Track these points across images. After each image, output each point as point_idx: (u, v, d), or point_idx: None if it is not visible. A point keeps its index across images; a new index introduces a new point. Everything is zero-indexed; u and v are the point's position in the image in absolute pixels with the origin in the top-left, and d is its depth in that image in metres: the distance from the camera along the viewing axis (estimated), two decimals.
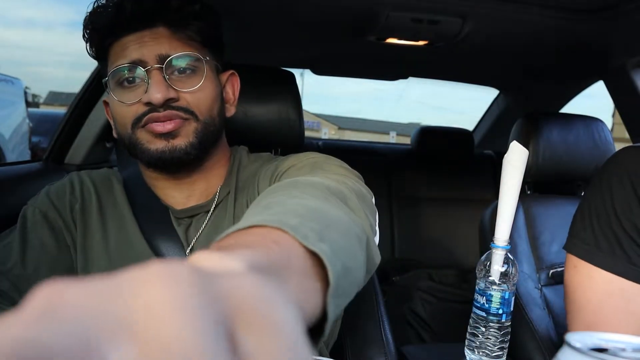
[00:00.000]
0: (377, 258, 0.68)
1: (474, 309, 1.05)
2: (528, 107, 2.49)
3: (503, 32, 1.80)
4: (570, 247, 1.00)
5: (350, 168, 0.93)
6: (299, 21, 1.75)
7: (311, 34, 1.92)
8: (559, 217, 1.57)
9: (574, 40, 1.82)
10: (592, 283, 0.96)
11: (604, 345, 0.53)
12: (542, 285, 1.50)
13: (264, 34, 1.91)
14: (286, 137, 1.40)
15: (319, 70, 2.70)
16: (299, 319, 0.22)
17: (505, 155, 1.00)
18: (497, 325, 1.02)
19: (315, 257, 0.43)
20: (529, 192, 1.70)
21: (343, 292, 0.46)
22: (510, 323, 1.04)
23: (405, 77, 2.61)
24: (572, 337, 0.53)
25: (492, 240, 1.03)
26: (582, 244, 0.98)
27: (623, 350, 0.52)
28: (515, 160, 1.00)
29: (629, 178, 0.97)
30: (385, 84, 2.76)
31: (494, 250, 1.03)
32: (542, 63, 2.17)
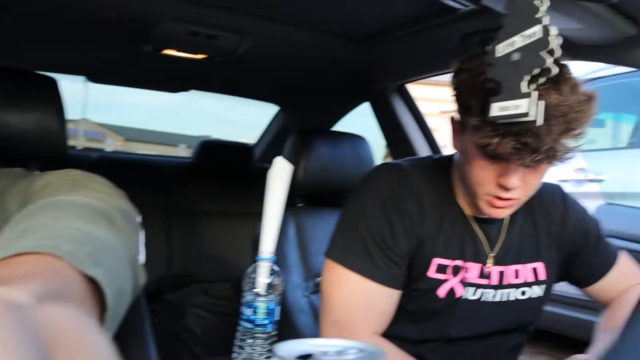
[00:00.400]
0: (143, 280, 0.66)
1: (241, 322, 1.06)
2: (304, 124, 2.64)
3: (279, 52, 1.89)
4: (328, 251, 1.10)
5: (113, 186, 0.87)
6: (68, 25, 1.62)
7: (83, 40, 1.79)
8: (327, 228, 1.66)
9: (343, 64, 1.98)
10: (341, 283, 1.06)
11: (311, 351, 0.58)
12: (310, 293, 1.58)
13: (27, 34, 1.72)
14: (47, 149, 1.28)
15: (95, 79, 2.53)
16: (111, 345, 0.25)
17: (269, 170, 1.03)
18: (264, 335, 1.04)
19: (91, 282, 0.43)
20: (300, 205, 1.79)
21: (116, 315, 0.46)
22: (276, 332, 1.07)
23: (186, 89, 2.58)
24: (279, 347, 0.57)
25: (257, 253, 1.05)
26: (336, 248, 1.09)
27: (325, 354, 0.57)
28: (279, 175, 1.03)
29: (379, 191, 1.09)
30: (176, 95, 2.69)
31: (259, 263, 1.04)
32: (316, 83, 2.32)
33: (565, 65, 0.90)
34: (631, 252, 2.13)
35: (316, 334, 1.48)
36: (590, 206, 2.51)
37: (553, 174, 3.78)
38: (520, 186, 0.97)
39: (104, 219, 0.61)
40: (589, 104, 0.90)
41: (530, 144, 0.86)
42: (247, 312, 1.04)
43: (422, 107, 2.24)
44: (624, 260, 1.25)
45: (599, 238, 1.23)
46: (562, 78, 0.87)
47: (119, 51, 1.94)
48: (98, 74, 2.43)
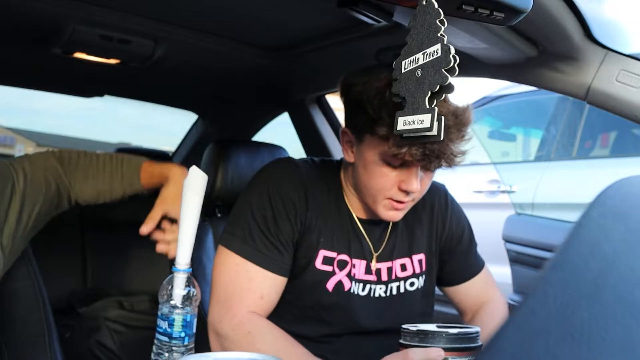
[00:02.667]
0: None
1: (157, 335, 1.03)
2: (224, 133, 2.61)
3: (196, 59, 1.86)
4: (219, 238, 1.17)
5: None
6: None
7: None
8: None
9: (261, 74, 1.98)
10: (225, 265, 1.13)
11: None
12: None
13: None
14: None
15: None
16: None
17: (185, 180, 1.01)
18: (182, 349, 1.01)
19: None
20: (219, 215, 1.76)
21: None
22: (193, 345, 1.05)
23: (100, 94, 2.49)
24: (186, 359, 0.57)
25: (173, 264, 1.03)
26: (225, 234, 1.16)
27: None
28: (194, 185, 1.01)
29: (267, 180, 1.18)
30: (94, 100, 2.58)
31: (175, 274, 1.02)
32: (234, 92, 2.31)
33: None
34: (540, 259, 2.27)
35: None
36: (502, 216, 2.65)
37: (467, 185, 3.93)
38: (419, 189, 1.07)
39: None
40: (468, 109, 1.04)
41: (434, 150, 0.98)
42: (163, 325, 1.01)
43: (343, 117, 2.28)
44: (486, 272, 1.35)
45: (471, 242, 1.34)
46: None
47: (25, 53, 1.84)
48: (3, 76, 2.30)
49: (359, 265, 1.18)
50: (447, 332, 0.93)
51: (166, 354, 1.01)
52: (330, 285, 1.15)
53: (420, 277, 1.24)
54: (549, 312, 0.27)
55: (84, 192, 1.25)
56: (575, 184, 3.26)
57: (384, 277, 1.20)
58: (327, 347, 1.17)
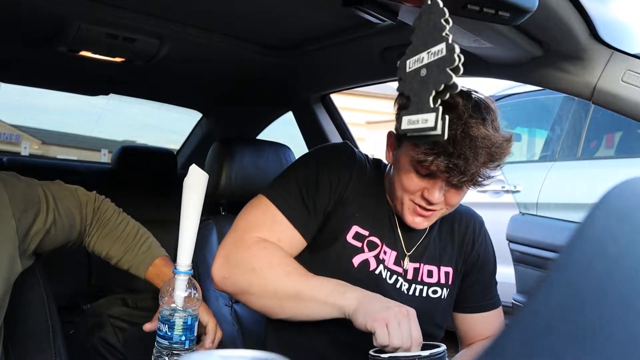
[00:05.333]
0: None
1: (158, 339, 1.01)
2: (228, 132, 2.61)
3: (201, 58, 1.86)
4: (261, 189, 1.22)
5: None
6: None
7: None
8: None
9: (266, 73, 1.98)
10: (256, 205, 1.19)
11: None
12: (233, 302, 1.56)
13: None
14: None
15: (5, 78, 2.40)
16: None
17: (185, 178, 1.00)
18: (183, 353, 1.00)
19: None
20: (223, 213, 1.76)
21: None
22: (194, 349, 1.04)
23: (106, 93, 2.49)
24: (188, 357, 0.56)
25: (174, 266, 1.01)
26: (266, 186, 1.22)
27: None
28: (195, 184, 1.01)
29: (317, 154, 1.25)
30: (99, 98, 2.59)
31: (176, 276, 1.00)
32: (239, 91, 2.31)
33: (494, 111, 1.10)
34: (543, 259, 2.26)
35: (238, 343, 1.47)
36: (506, 216, 2.64)
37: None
38: (441, 201, 1.11)
39: None
40: (507, 144, 1.07)
41: (459, 166, 1.01)
42: (163, 328, 0.99)
43: (348, 117, 2.27)
44: (499, 313, 1.35)
45: (492, 278, 1.34)
46: (491, 118, 1.07)
47: (31, 51, 1.85)
48: (9, 74, 2.30)
49: (390, 254, 1.20)
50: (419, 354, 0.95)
51: (166, 358, 1.00)
52: (356, 261, 1.17)
53: (445, 289, 1.25)
54: (552, 313, 0.27)
55: (97, 246, 1.27)
56: (580, 184, 3.24)
57: (410, 276, 1.22)
58: (341, 328, 1.16)
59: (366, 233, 1.19)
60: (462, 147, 1.01)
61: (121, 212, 1.33)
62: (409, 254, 1.23)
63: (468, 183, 1.08)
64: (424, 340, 1.02)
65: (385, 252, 1.20)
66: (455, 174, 1.03)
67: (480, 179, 1.08)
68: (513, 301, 2.52)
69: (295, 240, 1.17)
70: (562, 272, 0.29)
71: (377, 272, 1.18)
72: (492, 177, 1.11)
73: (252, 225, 1.16)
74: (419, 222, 1.15)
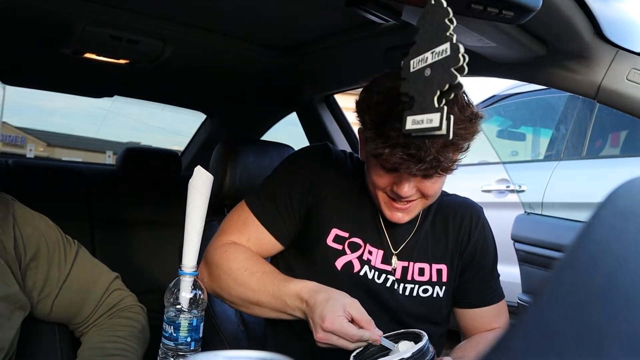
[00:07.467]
0: None
1: (163, 340, 1.01)
2: (233, 133, 2.61)
3: (204, 59, 1.86)
4: (245, 198, 1.27)
5: None
6: None
7: None
8: None
9: (269, 74, 1.98)
10: (235, 211, 1.25)
11: None
12: None
13: None
14: None
15: (10, 80, 2.40)
16: None
17: (190, 180, 1.00)
18: (189, 354, 1.00)
19: None
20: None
21: None
22: (200, 349, 1.04)
23: (110, 95, 2.50)
24: (193, 358, 0.56)
25: (179, 267, 1.01)
26: (250, 195, 1.25)
27: None
28: (200, 185, 1.00)
29: (297, 156, 1.29)
30: (104, 100, 2.60)
31: (181, 277, 1.00)
32: (243, 91, 2.31)
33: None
34: (549, 259, 2.25)
35: (246, 344, 1.47)
36: (511, 215, 2.64)
37: (476, 185, 3.91)
38: (414, 194, 1.09)
39: None
40: (472, 122, 1.02)
41: (415, 155, 0.98)
42: (168, 329, 0.99)
43: (352, 117, 2.27)
44: (502, 306, 1.31)
45: (493, 270, 1.30)
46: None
47: (35, 53, 1.85)
48: (14, 76, 2.31)
49: (376, 254, 1.19)
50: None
51: (172, 359, 1.00)
52: (339, 264, 1.17)
53: (438, 287, 1.22)
54: (558, 312, 0.27)
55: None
56: (585, 183, 3.23)
57: (398, 275, 1.20)
58: None
59: (346, 235, 1.18)
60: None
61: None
62: (396, 252, 1.21)
63: (432, 170, 1.03)
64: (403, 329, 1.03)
65: (370, 252, 1.19)
66: (412, 163, 0.99)
67: (445, 164, 1.02)
68: (518, 301, 2.51)
69: (266, 241, 1.20)
70: (567, 272, 0.29)
71: (361, 273, 1.17)
72: (459, 159, 1.08)
73: (225, 228, 1.23)
74: (400, 217, 1.13)
